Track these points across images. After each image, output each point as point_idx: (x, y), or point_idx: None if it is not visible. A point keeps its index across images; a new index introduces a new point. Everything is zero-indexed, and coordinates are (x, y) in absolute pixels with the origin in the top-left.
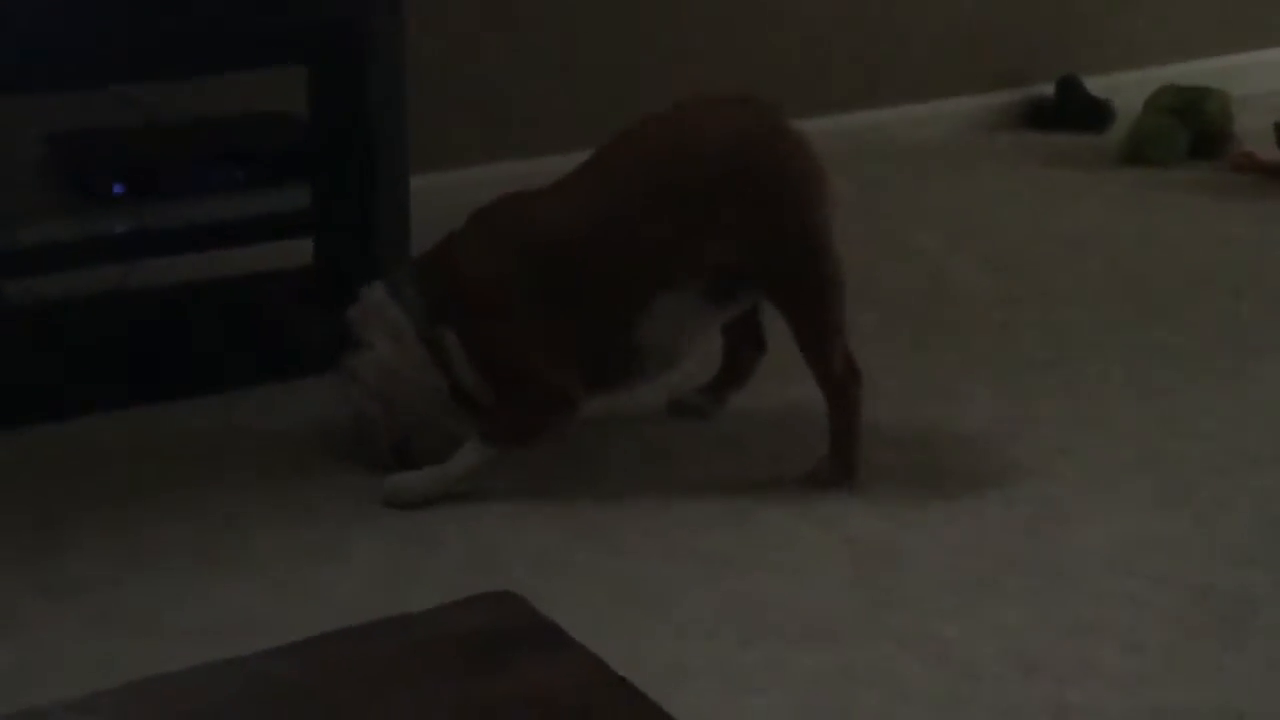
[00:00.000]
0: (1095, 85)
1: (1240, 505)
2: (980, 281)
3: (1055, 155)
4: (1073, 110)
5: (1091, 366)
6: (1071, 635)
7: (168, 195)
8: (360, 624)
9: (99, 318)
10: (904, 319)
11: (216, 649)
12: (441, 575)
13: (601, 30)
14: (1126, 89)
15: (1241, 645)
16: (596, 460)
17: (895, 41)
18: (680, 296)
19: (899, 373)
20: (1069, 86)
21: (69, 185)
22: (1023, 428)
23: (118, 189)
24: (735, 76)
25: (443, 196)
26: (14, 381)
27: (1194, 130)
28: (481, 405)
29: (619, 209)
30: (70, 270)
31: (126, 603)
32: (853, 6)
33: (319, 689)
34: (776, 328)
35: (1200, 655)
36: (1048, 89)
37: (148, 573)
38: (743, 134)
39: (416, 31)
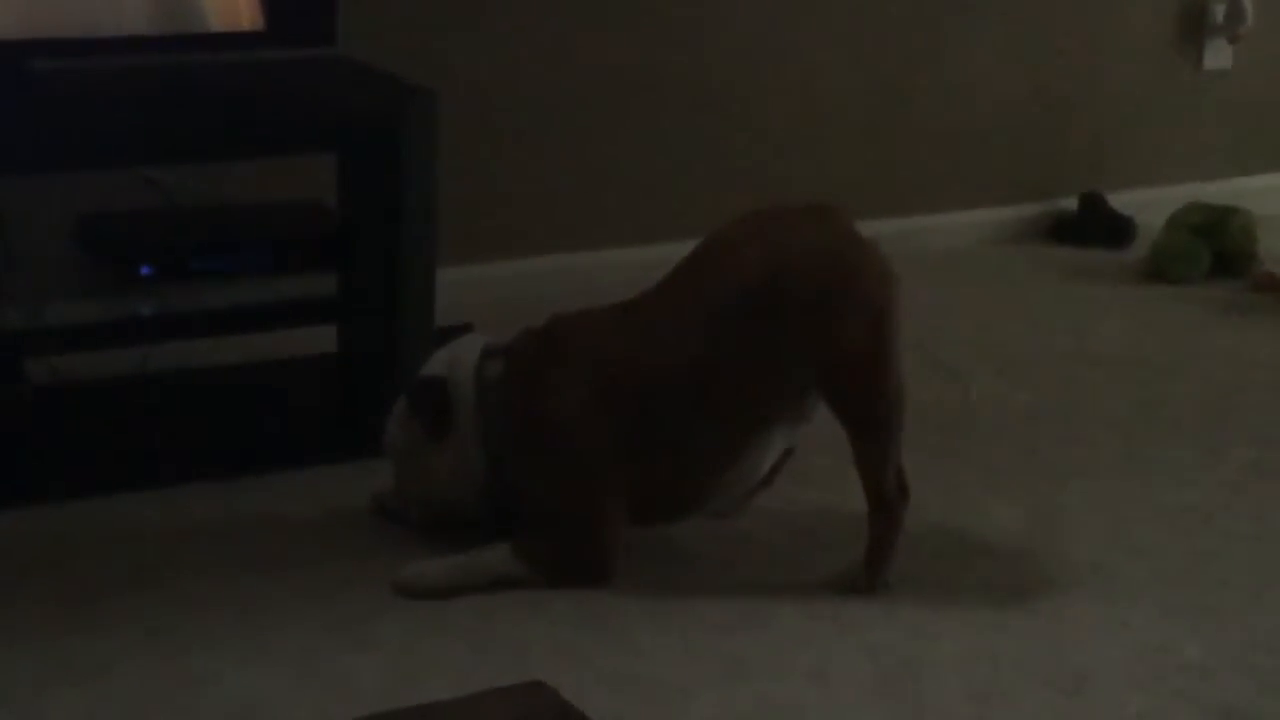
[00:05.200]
0: (1118, 201)
1: (1264, 626)
2: (1004, 395)
3: (1077, 270)
4: (1095, 226)
5: (1115, 483)
6: None
7: (194, 278)
8: (390, 710)
9: (122, 399)
10: (927, 429)
11: None
12: (462, 665)
13: (630, 132)
14: (1149, 206)
15: None
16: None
17: (920, 152)
18: (779, 427)
19: (922, 483)
20: (1092, 202)
21: (96, 266)
22: (1046, 542)
23: (145, 271)
24: (759, 183)
25: (468, 290)
26: (34, 460)
27: (1216, 249)
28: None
29: (714, 340)
30: (94, 350)
31: (148, 688)
32: (878, 116)
33: None
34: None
35: None
36: (1071, 204)
37: (169, 657)
38: (824, 247)
39: (446, 125)
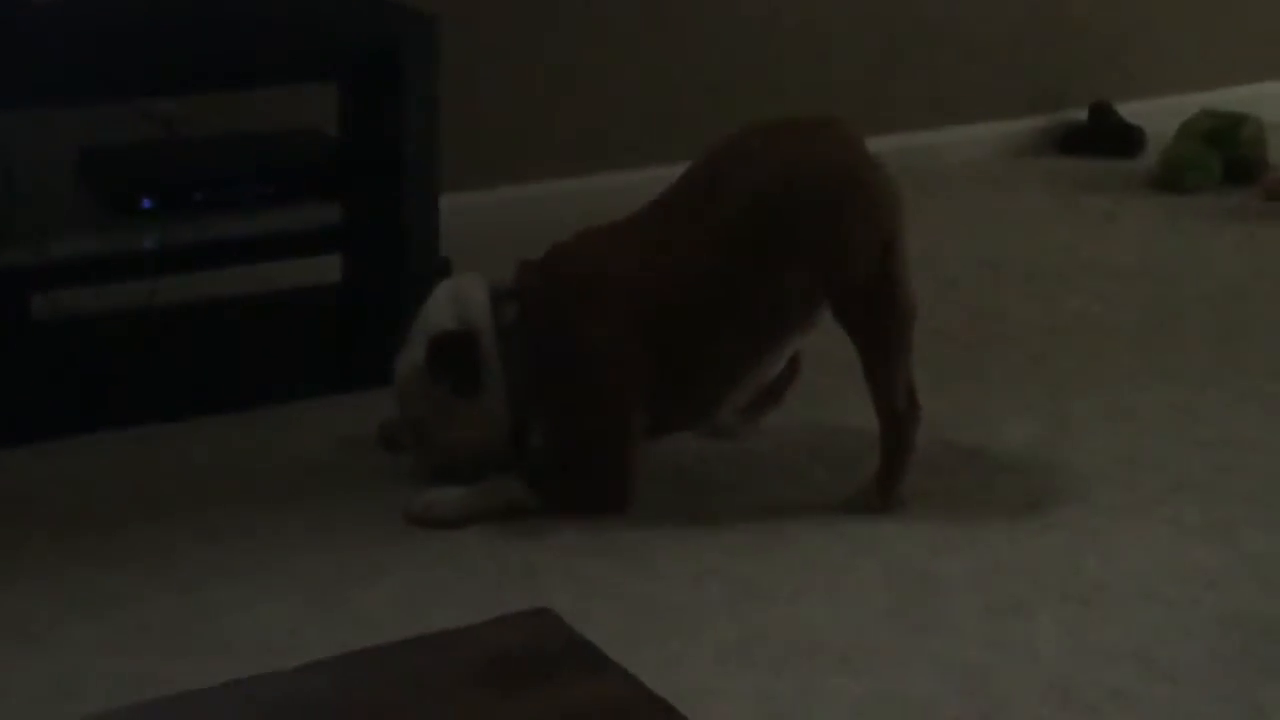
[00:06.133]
0: (1128, 111)
1: (1278, 536)
2: (1016, 307)
3: (1088, 181)
4: (1105, 136)
5: (1128, 394)
6: (1105, 664)
7: (197, 211)
8: (396, 641)
9: (126, 332)
10: (939, 343)
11: (250, 666)
12: (473, 594)
13: (632, 55)
14: (1159, 115)
15: (1277, 676)
16: None
17: (927, 66)
18: (793, 334)
19: (935, 397)
20: (1101, 112)
21: (99, 200)
22: (1059, 454)
23: (147, 204)
24: (764, 101)
25: (469, 216)
26: (41, 396)
27: (1228, 157)
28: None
29: (729, 252)
30: (98, 285)
31: (158, 619)
32: (884, 33)
33: (354, 706)
34: (808, 351)
35: (1234, 686)
36: (1080, 114)
37: (179, 589)
38: (835, 159)
39: (447, 51)
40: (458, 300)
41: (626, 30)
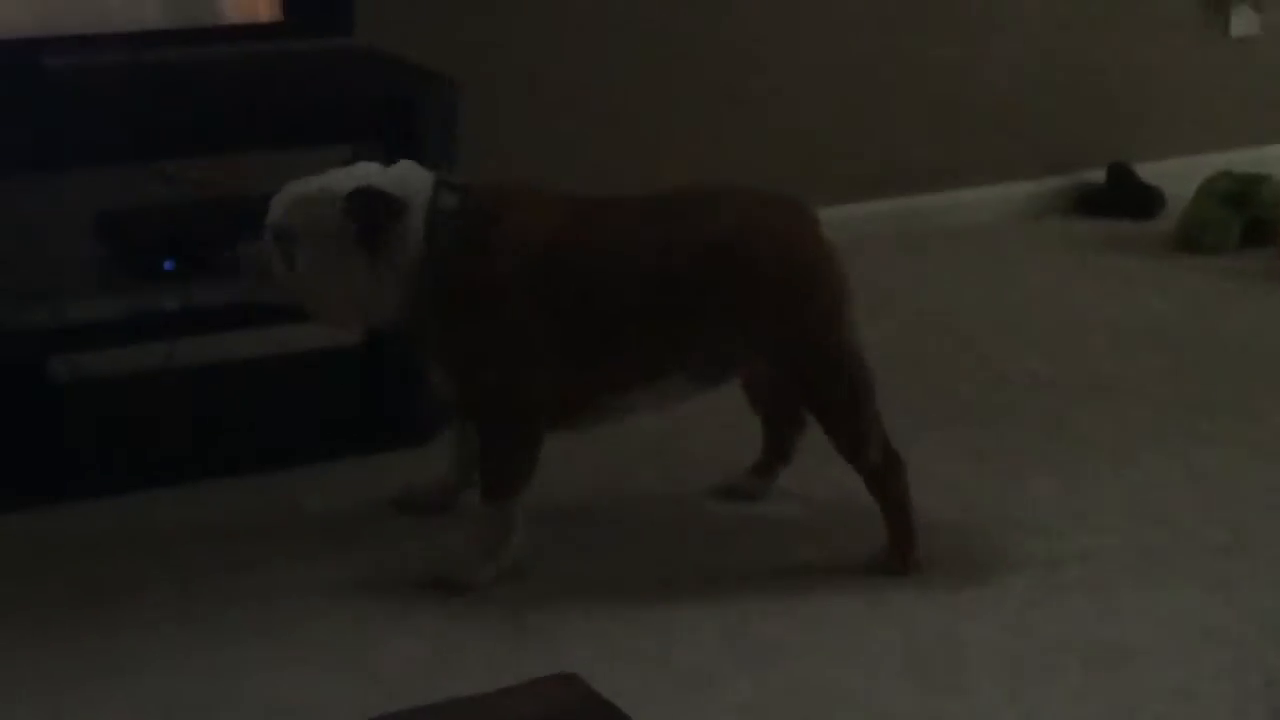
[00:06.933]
0: (1146, 172)
1: None
2: (1034, 370)
3: (1106, 242)
4: (1123, 197)
5: (1147, 456)
6: None
7: (217, 272)
8: (423, 705)
9: (146, 395)
10: (957, 407)
11: None
12: (492, 656)
13: (653, 118)
14: (1178, 176)
15: None
16: (647, 543)
17: (945, 127)
18: (686, 378)
19: (953, 461)
20: (1120, 173)
21: (119, 261)
22: (1080, 517)
23: (167, 265)
24: (781, 160)
25: None
26: (59, 459)
27: (1247, 217)
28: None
29: (663, 278)
30: (118, 347)
31: (180, 682)
32: (904, 92)
33: None
34: None
35: None
36: (1098, 175)
37: (202, 653)
38: (796, 237)
39: (465, 113)
40: (401, 174)
41: (648, 96)
